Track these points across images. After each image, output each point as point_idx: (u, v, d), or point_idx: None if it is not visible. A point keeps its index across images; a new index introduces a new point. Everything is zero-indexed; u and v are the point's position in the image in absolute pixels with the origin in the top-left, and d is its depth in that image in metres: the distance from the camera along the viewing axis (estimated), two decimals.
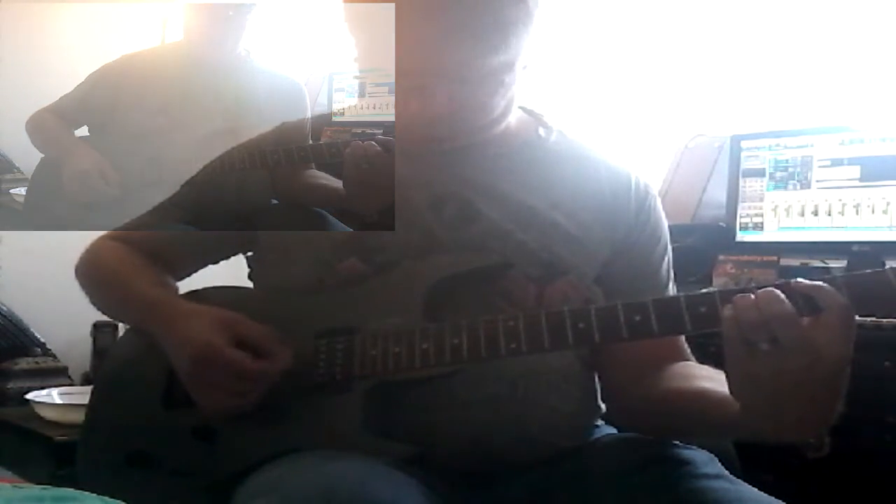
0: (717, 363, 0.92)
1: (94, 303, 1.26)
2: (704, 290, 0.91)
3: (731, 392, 0.88)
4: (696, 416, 1.01)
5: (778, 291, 0.83)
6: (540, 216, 1.10)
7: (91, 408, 1.19)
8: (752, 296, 0.84)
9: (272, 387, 1.03)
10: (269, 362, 1.02)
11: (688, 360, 1.12)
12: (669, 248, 1.19)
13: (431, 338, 0.98)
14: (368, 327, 1.03)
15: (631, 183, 1.16)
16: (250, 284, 1.21)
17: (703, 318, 0.89)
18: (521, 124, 1.17)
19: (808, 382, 0.83)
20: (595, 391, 1.16)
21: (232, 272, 1.28)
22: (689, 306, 0.90)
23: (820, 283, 0.84)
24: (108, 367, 1.28)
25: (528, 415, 1.04)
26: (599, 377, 1.16)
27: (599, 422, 1.18)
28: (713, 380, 0.98)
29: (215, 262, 1.27)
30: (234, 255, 1.25)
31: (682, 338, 1.13)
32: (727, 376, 0.88)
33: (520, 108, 1.17)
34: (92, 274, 1.25)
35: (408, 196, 1.09)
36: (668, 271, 1.18)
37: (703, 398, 0.98)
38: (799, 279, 0.85)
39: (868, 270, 0.86)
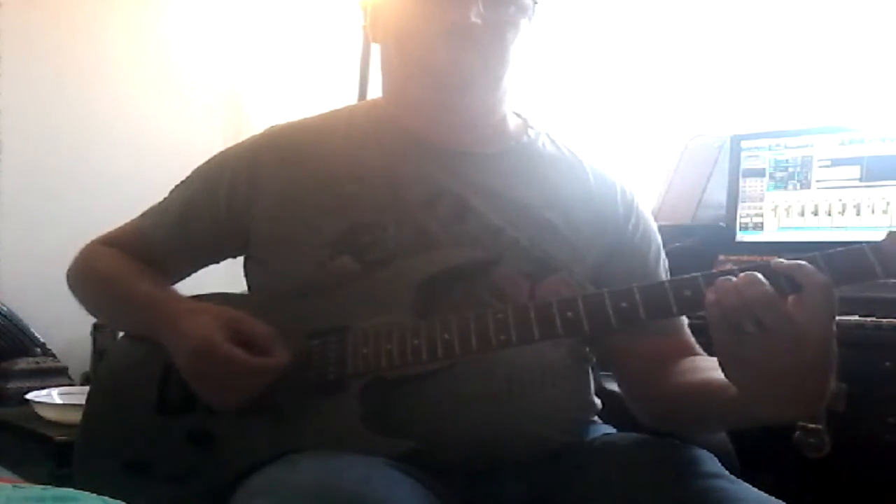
0: None
1: (88, 306, 1.25)
2: (688, 275, 0.92)
3: (725, 376, 0.89)
4: (703, 406, 1.02)
5: (757, 274, 0.85)
6: (532, 214, 1.11)
7: (86, 415, 1.19)
8: (734, 279, 0.85)
9: (268, 388, 1.03)
10: (265, 360, 1.02)
11: (698, 355, 1.12)
12: (662, 252, 1.20)
13: (422, 334, 0.99)
14: (360, 326, 1.03)
15: (617, 189, 1.19)
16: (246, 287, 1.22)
17: (688, 301, 0.91)
18: (513, 126, 1.18)
19: (796, 361, 0.84)
20: (589, 386, 1.17)
21: (229, 275, 1.29)
22: (673, 291, 0.91)
23: (800, 261, 0.86)
24: (103, 375, 1.27)
25: (522, 410, 1.05)
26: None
27: (597, 419, 1.18)
28: (717, 370, 0.99)
29: (206, 266, 1.27)
30: (226, 258, 1.25)
31: (689, 335, 1.14)
32: (718, 361, 0.89)
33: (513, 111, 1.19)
34: (87, 277, 1.24)
35: (402, 194, 1.10)
36: (666, 275, 1.19)
37: (707, 387, 0.99)
38: (779, 259, 0.86)
39: (846, 248, 0.88)
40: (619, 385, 1.17)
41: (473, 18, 1.05)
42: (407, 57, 1.12)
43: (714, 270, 0.90)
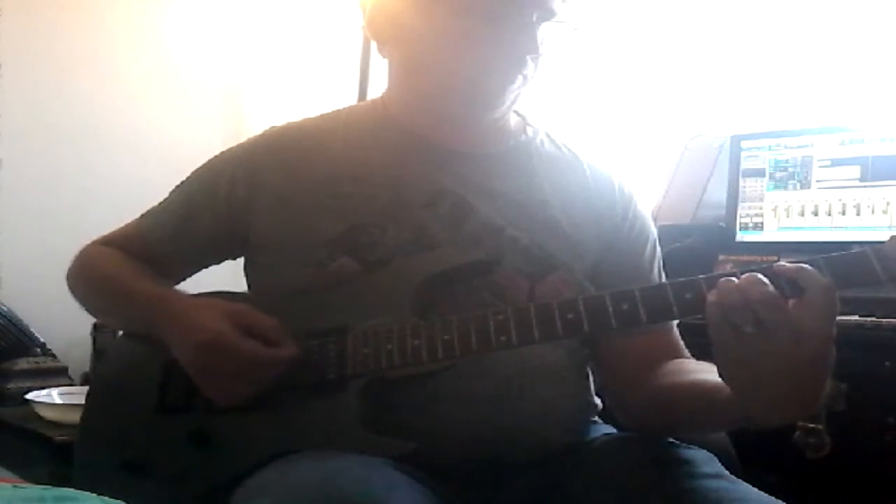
0: None
1: (88, 306, 1.25)
2: (690, 278, 0.91)
3: (720, 376, 0.89)
4: (692, 408, 1.02)
5: (760, 275, 0.85)
6: (533, 213, 1.11)
7: (86, 415, 1.19)
8: (736, 280, 0.85)
9: (271, 385, 1.03)
10: (277, 350, 1.02)
11: (685, 357, 1.12)
12: (658, 249, 1.20)
13: (422, 334, 0.99)
14: (360, 326, 1.03)
15: (614, 185, 1.19)
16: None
17: (690, 304, 0.90)
18: (512, 124, 1.19)
19: (794, 362, 0.84)
20: (589, 387, 1.17)
21: (229, 275, 1.29)
22: (675, 293, 0.91)
23: (802, 264, 0.86)
24: (103, 374, 1.27)
25: (522, 410, 1.05)
26: (600, 378, 1.17)
27: (597, 420, 1.18)
28: (707, 372, 0.99)
29: (206, 266, 1.27)
30: (226, 259, 1.25)
31: (678, 336, 1.14)
32: (716, 361, 0.89)
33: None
34: (88, 277, 1.25)
35: (403, 195, 1.10)
36: (660, 272, 1.20)
37: (697, 388, 0.99)
38: (781, 262, 0.86)
39: (849, 251, 0.88)
40: (601, 385, 1.17)
41: (541, 49, 1.07)
42: (442, 73, 1.10)
43: (714, 272, 0.90)
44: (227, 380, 1.03)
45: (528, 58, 1.08)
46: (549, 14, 1.07)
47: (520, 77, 1.09)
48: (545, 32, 1.08)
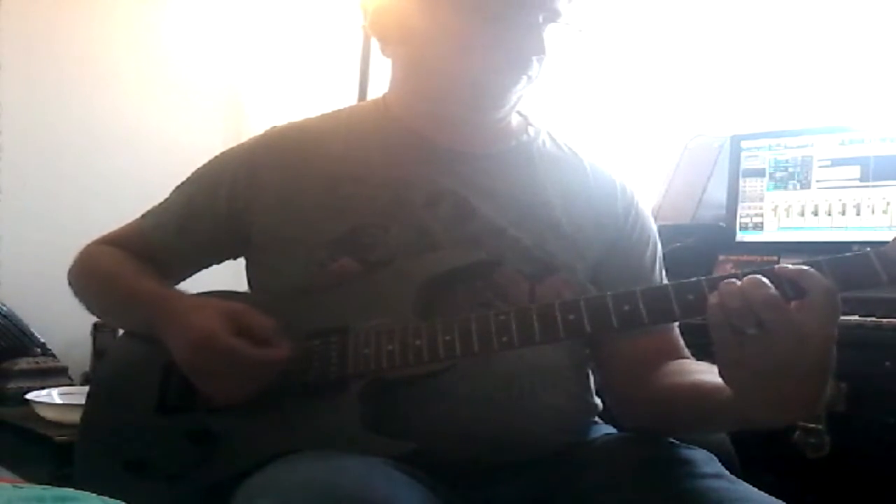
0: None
1: (89, 305, 1.25)
2: (692, 279, 0.91)
3: (721, 377, 0.89)
4: (693, 409, 1.02)
5: (762, 277, 0.84)
6: (533, 214, 1.11)
7: (86, 415, 1.19)
8: (738, 282, 0.85)
9: (269, 386, 1.03)
10: (267, 352, 1.02)
11: (685, 357, 1.12)
12: (659, 249, 1.20)
13: (424, 334, 0.99)
14: (361, 326, 1.03)
15: (616, 186, 1.19)
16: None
17: (691, 305, 0.90)
18: (514, 124, 1.19)
19: (796, 364, 0.84)
20: (589, 387, 1.17)
21: (230, 275, 1.29)
22: (676, 294, 0.91)
23: (804, 267, 0.85)
24: (103, 374, 1.27)
25: (523, 410, 1.05)
26: (600, 378, 1.17)
27: (597, 420, 1.18)
28: (707, 372, 0.99)
29: (207, 266, 1.27)
30: (226, 259, 1.25)
31: (679, 336, 1.14)
32: (717, 362, 0.89)
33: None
34: (89, 275, 1.25)
35: (404, 195, 1.10)
36: (661, 272, 1.20)
37: (698, 389, 0.99)
38: (784, 264, 0.86)
39: (851, 253, 0.87)
40: (602, 385, 1.17)
41: (546, 51, 1.07)
42: (447, 73, 1.10)
43: (715, 272, 0.90)
44: (220, 379, 1.04)
45: (533, 59, 1.08)
46: (554, 15, 1.07)
47: (524, 78, 1.09)
48: (550, 34, 1.08)
